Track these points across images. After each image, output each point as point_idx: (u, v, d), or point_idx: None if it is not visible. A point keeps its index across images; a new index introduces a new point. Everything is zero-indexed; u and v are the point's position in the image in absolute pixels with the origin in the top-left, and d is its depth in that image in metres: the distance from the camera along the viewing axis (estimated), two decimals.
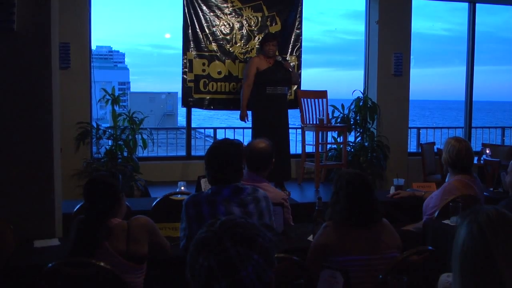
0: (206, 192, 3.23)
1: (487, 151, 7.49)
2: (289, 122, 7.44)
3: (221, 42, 7.79)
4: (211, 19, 7.72)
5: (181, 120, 34.05)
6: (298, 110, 7.77)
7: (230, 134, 9.25)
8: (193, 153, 8.41)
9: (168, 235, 3.56)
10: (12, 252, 3.61)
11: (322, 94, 7.89)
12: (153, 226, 3.18)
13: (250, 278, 1.46)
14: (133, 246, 3.02)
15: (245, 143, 4.06)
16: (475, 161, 7.35)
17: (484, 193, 4.89)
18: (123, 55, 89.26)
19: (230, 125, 9.95)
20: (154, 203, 4.51)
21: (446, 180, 4.65)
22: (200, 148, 11.21)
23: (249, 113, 7.29)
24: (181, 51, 7.70)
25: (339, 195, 3.26)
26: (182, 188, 4.88)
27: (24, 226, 4.01)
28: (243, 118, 7.32)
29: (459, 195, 4.32)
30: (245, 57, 7.84)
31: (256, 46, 7.82)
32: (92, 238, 2.98)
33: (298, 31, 8.10)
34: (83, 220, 3.08)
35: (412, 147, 9.97)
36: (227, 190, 3.15)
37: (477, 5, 9.09)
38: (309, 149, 7.75)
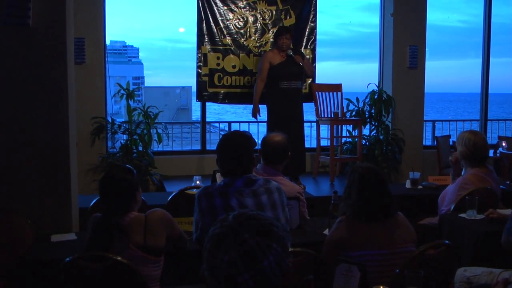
0: (218, 184, 3.22)
1: (503, 144, 7.44)
2: (304, 116, 7.43)
3: (235, 36, 7.78)
4: (225, 13, 7.71)
5: (196, 114, 34.13)
6: (313, 103, 7.76)
7: (244, 128, 9.23)
8: (208, 147, 8.42)
9: (184, 230, 3.56)
10: (30, 246, 3.64)
11: (336, 88, 7.87)
12: (170, 219, 3.20)
13: (271, 267, 1.48)
14: (151, 239, 3.03)
15: (259, 137, 4.05)
16: (491, 154, 7.31)
17: (501, 186, 4.85)
18: (137, 49, 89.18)
19: (244, 119, 9.95)
20: (170, 197, 4.52)
21: (462, 174, 4.62)
22: (214, 142, 11.19)
23: (264, 107, 7.28)
24: (195, 45, 7.70)
25: (351, 189, 3.24)
26: (198, 182, 4.89)
27: (41, 221, 4.04)
28: (255, 114, 7.30)
29: (474, 189, 4.29)
30: (259, 50, 7.82)
31: (271, 39, 7.81)
32: (108, 235, 3.00)
33: (312, 24, 8.08)
34: (99, 218, 3.09)
35: (427, 140, 9.91)
36: (240, 181, 3.14)
37: None
38: (324, 142, 7.73)
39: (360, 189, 3.18)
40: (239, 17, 7.78)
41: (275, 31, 7.58)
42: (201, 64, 7.69)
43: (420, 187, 5.63)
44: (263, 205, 3.11)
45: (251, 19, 7.83)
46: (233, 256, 1.46)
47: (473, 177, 4.43)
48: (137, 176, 3.25)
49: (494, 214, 3.94)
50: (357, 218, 3.17)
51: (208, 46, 7.69)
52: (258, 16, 7.85)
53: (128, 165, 3.29)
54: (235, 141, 3.20)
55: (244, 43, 7.82)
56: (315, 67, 8.07)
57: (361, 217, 3.16)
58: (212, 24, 7.67)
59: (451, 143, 8.05)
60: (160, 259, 3.11)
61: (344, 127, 8.15)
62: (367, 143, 7.99)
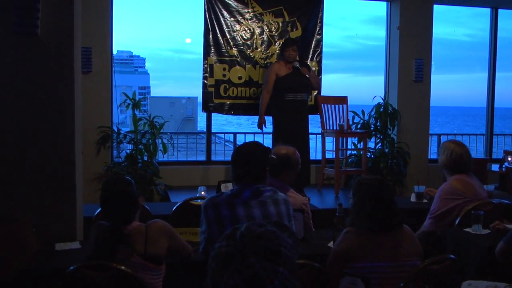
0: (226, 193, 3.21)
1: (509, 159, 7.42)
2: (309, 128, 7.43)
3: (242, 47, 7.80)
4: (232, 24, 7.74)
5: (200, 125, 34.14)
6: (319, 115, 7.76)
7: (250, 140, 9.22)
8: (213, 158, 8.42)
9: (188, 240, 3.56)
10: (34, 254, 3.64)
11: (342, 100, 7.87)
12: (170, 229, 3.21)
13: None
14: (151, 248, 3.05)
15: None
16: (497, 169, 7.29)
17: (505, 201, 4.83)
18: (144, 59, 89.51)
19: (247, 130, 9.93)
20: (174, 207, 4.52)
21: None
22: (220, 153, 11.21)
23: (269, 119, 7.30)
24: (201, 56, 7.73)
25: (362, 201, 3.23)
26: (202, 193, 4.89)
27: (46, 229, 4.04)
28: (260, 125, 7.33)
29: (474, 200, 4.33)
30: (265, 62, 7.85)
31: (277, 51, 7.83)
32: (112, 245, 3.01)
33: (318, 36, 8.10)
34: (102, 226, 3.11)
35: (432, 153, 9.89)
36: (248, 192, 3.13)
37: (500, 10, 9.02)
38: (329, 155, 7.73)
39: (371, 201, 3.18)
40: (246, 28, 7.81)
41: (281, 43, 7.60)
42: (207, 75, 7.71)
43: (425, 200, 5.61)
44: (270, 216, 3.10)
45: (257, 30, 7.85)
46: (238, 281, 1.40)
47: (457, 182, 4.50)
48: (137, 186, 3.26)
49: (500, 226, 3.93)
50: (365, 229, 3.16)
51: (215, 57, 7.72)
52: (265, 27, 7.88)
53: (127, 176, 3.30)
54: (248, 149, 3.24)
55: (251, 54, 7.85)
56: (321, 79, 8.08)
57: (371, 228, 3.15)
58: (219, 35, 7.69)
59: None
60: (161, 267, 3.12)
61: (349, 140, 8.15)
62: (372, 156, 7.99)
